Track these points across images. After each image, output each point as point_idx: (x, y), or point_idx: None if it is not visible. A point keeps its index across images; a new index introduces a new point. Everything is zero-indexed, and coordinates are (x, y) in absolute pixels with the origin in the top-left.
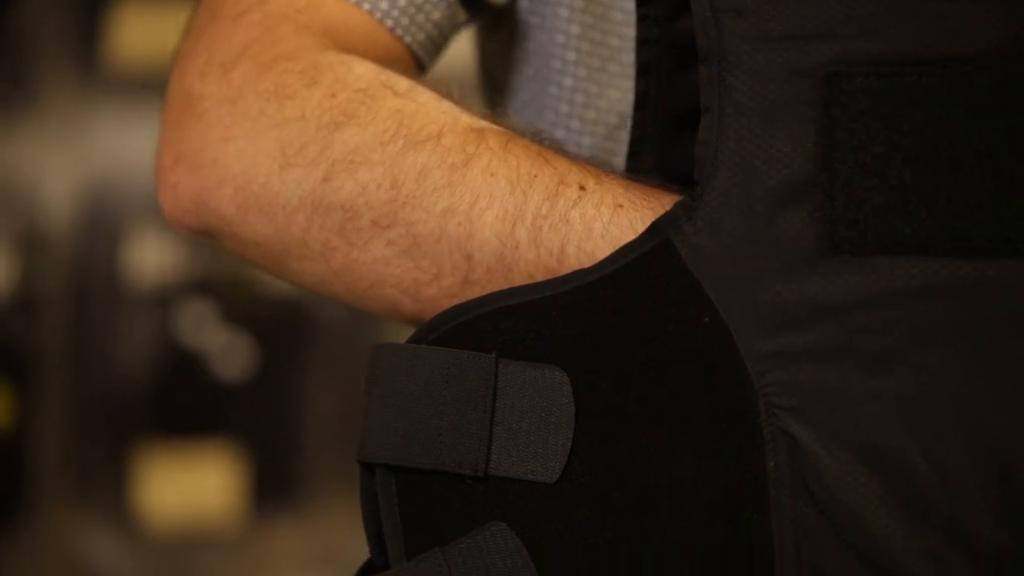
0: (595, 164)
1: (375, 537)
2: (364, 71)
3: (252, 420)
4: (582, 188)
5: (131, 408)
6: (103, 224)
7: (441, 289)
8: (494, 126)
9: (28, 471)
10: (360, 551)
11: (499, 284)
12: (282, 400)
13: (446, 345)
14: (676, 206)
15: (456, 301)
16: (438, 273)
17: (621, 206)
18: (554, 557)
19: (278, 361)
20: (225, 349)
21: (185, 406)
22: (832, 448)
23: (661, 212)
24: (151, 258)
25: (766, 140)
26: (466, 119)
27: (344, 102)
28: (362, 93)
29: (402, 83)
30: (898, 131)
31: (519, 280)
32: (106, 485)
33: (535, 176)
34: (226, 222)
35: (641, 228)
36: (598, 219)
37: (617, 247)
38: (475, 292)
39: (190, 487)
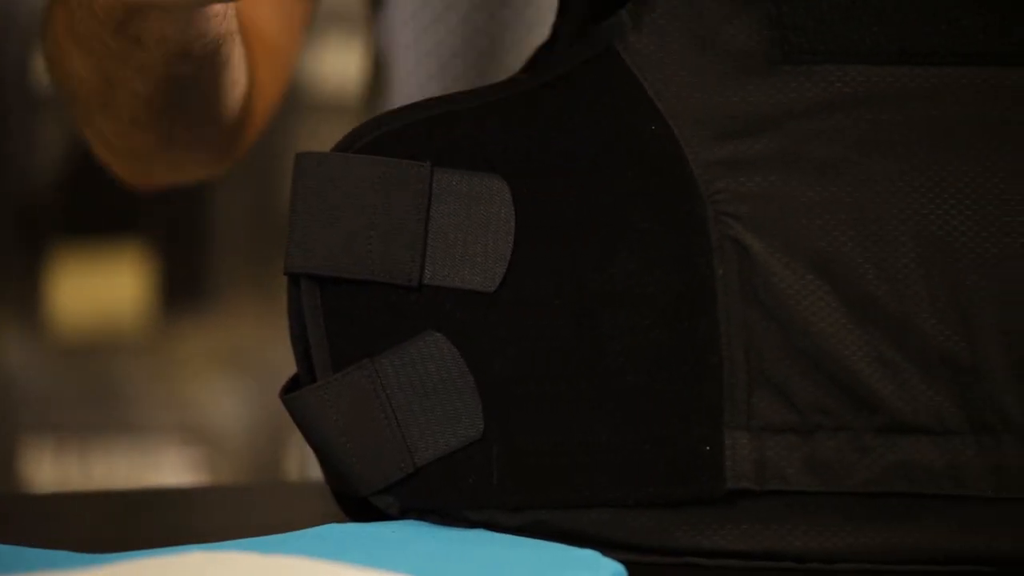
0: None
1: (303, 354)
2: None
3: (163, 223)
4: None
5: (41, 209)
6: (14, 23)
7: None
8: None
9: None
10: (268, 355)
11: None
12: (193, 203)
13: (375, 154)
14: (621, 12)
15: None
16: None
17: None
18: (492, 366)
19: None
20: None
21: (96, 208)
22: (782, 256)
23: None
24: None
25: None
26: None
27: None
28: None
29: None
30: None
31: None
32: (16, 287)
33: None
34: None
35: None
36: None
37: None
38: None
39: (100, 289)
